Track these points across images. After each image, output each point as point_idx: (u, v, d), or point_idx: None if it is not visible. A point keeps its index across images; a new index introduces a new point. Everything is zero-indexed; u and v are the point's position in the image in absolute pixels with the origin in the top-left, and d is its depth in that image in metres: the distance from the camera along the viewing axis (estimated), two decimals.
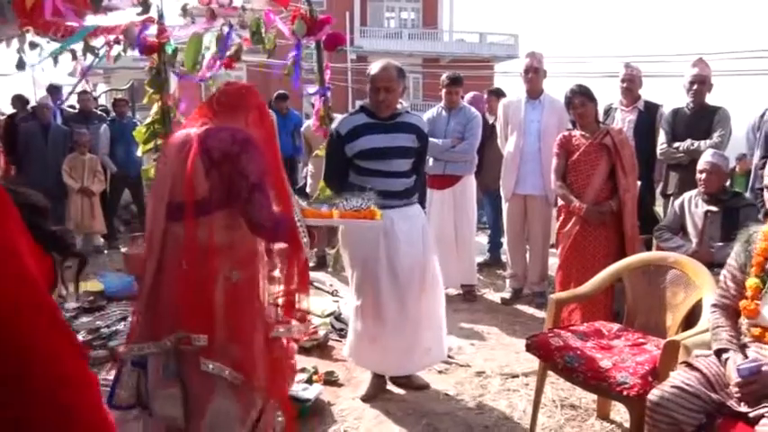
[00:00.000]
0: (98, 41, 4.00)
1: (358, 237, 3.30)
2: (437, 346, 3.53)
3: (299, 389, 3.29)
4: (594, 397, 3.24)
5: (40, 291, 1.34)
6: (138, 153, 5.61)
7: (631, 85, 4.98)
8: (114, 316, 4.60)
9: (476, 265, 5.63)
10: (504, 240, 5.64)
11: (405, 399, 3.47)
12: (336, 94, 4.85)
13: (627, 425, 3.07)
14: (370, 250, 3.28)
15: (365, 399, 3.43)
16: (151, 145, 5.29)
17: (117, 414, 2.22)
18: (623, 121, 4.97)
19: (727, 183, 4.32)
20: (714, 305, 2.51)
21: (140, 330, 2.26)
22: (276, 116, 7.68)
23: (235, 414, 2.24)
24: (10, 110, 7.72)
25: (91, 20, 3.73)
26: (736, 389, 2.16)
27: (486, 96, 6.52)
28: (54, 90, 7.87)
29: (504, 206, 5.36)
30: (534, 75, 5.03)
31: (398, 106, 3.40)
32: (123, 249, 6.12)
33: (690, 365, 2.32)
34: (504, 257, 5.90)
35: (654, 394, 2.25)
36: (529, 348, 2.99)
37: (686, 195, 3.98)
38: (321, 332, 4.27)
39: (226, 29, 4.07)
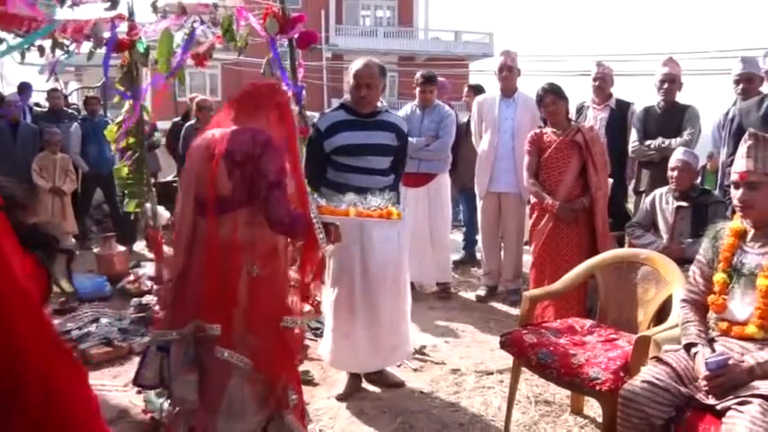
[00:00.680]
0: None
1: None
2: (404, 344, 3.55)
3: None
4: (568, 392, 3.27)
5: (31, 303, 1.32)
6: (112, 150, 5.57)
7: (603, 83, 5.04)
8: (86, 318, 4.53)
9: (451, 262, 5.66)
10: (479, 238, 5.67)
11: (380, 397, 3.47)
12: (312, 92, 4.83)
13: (600, 419, 3.10)
14: (345, 246, 3.27)
15: (340, 398, 3.42)
16: (123, 144, 5.22)
17: None
18: (595, 119, 5.03)
19: (698, 180, 4.38)
20: (683, 300, 2.55)
21: (164, 318, 2.44)
22: None
23: (249, 398, 2.38)
24: None
25: (60, 15, 3.67)
26: (705, 382, 2.20)
27: (466, 90, 6.54)
28: (24, 88, 7.73)
29: (479, 204, 5.39)
30: (508, 73, 5.06)
31: (378, 104, 3.41)
32: (96, 250, 6.05)
33: (660, 360, 2.36)
34: (478, 255, 5.93)
35: (625, 389, 2.29)
36: (503, 345, 3.01)
37: (657, 192, 4.03)
38: (296, 331, 4.24)
39: (197, 25, 4.02)
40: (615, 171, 4.70)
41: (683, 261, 3.43)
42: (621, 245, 4.71)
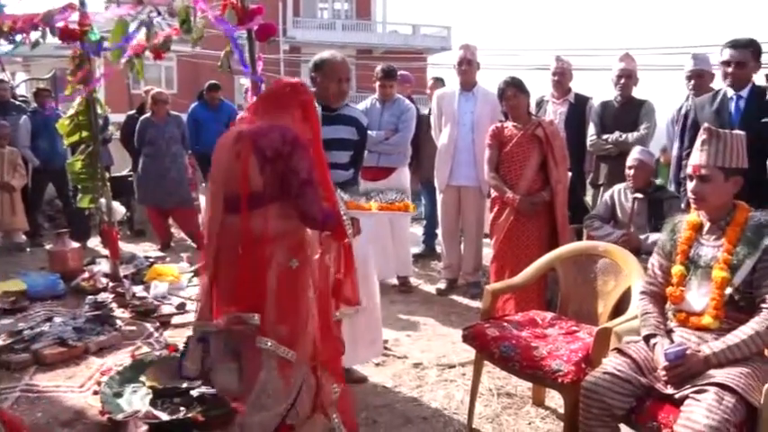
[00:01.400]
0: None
1: None
2: (378, 339, 3.55)
3: None
4: (530, 385, 3.30)
5: None
6: (65, 145, 5.41)
7: (562, 78, 5.10)
8: (38, 317, 4.40)
9: (411, 256, 5.66)
10: (439, 231, 5.70)
11: None
12: (268, 85, 4.78)
13: (561, 410, 3.14)
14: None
15: None
16: (76, 137, 5.09)
17: None
18: (555, 113, 5.09)
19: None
20: (642, 292, 2.60)
21: (201, 311, 2.56)
22: (208, 108, 7.56)
23: (278, 387, 2.46)
24: None
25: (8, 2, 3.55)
26: (664, 372, 2.25)
27: (431, 83, 6.53)
28: None
29: (439, 197, 5.40)
30: (468, 67, 5.08)
31: None
32: (48, 247, 5.88)
33: (621, 351, 2.40)
34: (438, 248, 5.96)
35: (587, 381, 2.32)
36: (465, 339, 3.02)
37: (616, 188, 4.11)
38: None
39: (154, 15, 3.92)
40: (574, 165, 4.75)
41: (639, 253, 3.52)
42: (580, 237, 4.78)
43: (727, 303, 2.32)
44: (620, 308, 3.02)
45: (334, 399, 2.57)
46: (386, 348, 4.01)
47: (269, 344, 2.42)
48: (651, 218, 3.89)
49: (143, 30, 4.15)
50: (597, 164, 4.87)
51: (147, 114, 6.88)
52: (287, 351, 2.44)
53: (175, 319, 4.51)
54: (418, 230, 6.81)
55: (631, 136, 4.52)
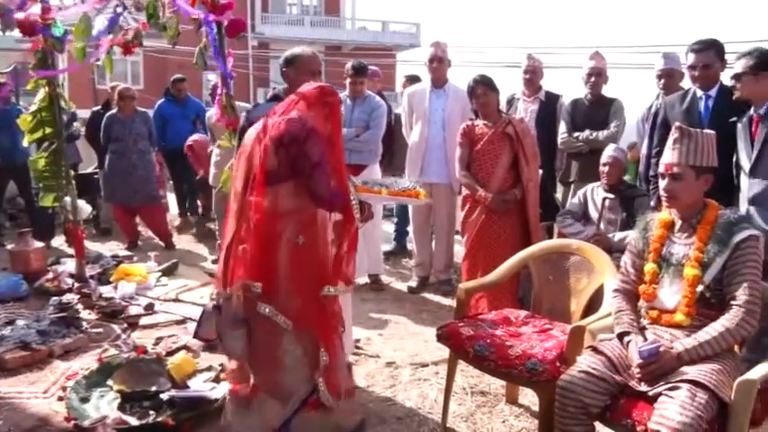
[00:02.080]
0: None
1: None
2: (348, 337, 3.51)
3: (205, 388, 3.17)
4: (503, 383, 3.30)
5: None
6: (25, 143, 5.27)
7: (533, 76, 5.12)
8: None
9: (382, 254, 5.64)
10: (410, 229, 5.68)
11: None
12: (237, 81, 4.70)
13: (535, 408, 3.16)
14: None
15: None
16: (39, 134, 4.96)
17: None
18: (525, 111, 5.10)
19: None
20: (615, 290, 2.61)
21: (220, 278, 2.75)
22: (175, 104, 7.43)
23: (301, 356, 2.68)
24: None
25: None
26: (638, 370, 2.26)
27: (403, 81, 6.51)
28: None
29: None
30: (439, 64, 5.07)
31: None
32: (9, 247, 5.72)
33: (596, 350, 2.41)
34: (410, 246, 5.94)
35: (563, 380, 2.32)
36: (439, 338, 3.01)
37: (589, 186, 4.15)
38: None
39: (120, 10, 3.83)
40: (545, 162, 4.78)
41: (611, 251, 3.54)
42: (551, 235, 4.82)
43: (698, 300, 2.35)
44: (592, 305, 3.03)
45: (322, 365, 2.68)
46: (358, 348, 3.99)
47: (267, 309, 2.61)
48: (621, 216, 3.93)
49: (111, 26, 4.04)
50: (568, 161, 4.90)
51: (113, 110, 6.74)
52: (285, 321, 2.61)
53: (144, 320, 4.42)
54: (389, 228, 6.79)
55: (602, 134, 4.56)
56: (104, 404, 3.09)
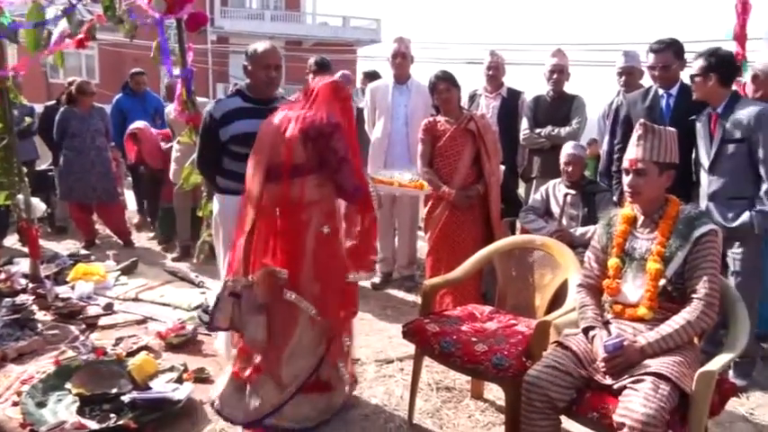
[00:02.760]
0: None
1: (231, 224, 3.18)
2: None
3: (168, 389, 3.11)
4: (468, 378, 3.32)
5: None
6: None
7: (496, 72, 5.13)
8: None
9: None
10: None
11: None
12: (196, 76, 4.60)
13: (500, 402, 3.18)
14: None
15: None
16: None
17: None
18: (487, 107, 5.12)
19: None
20: (579, 285, 2.64)
21: (236, 267, 2.79)
22: (133, 98, 7.26)
23: (310, 343, 2.84)
24: None
25: None
26: (603, 364, 2.29)
27: (362, 78, 6.48)
28: None
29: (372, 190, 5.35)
30: (402, 60, 5.06)
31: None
32: None
33: (561, 345, 2.43)
34: None
35: (530, 374, 2.34)
36: (405, 335, 3.00)
37: (551, 183, 4.19)
38: (189, 327, 4.06)
39: (75, 1, 3.71)
40: (507, 158, 4.81)
41: (573, 246, 3.58)
42: (513, 230, 4.86)
43: (660, 294, 2.39)
44: (556, 300, 3.06)
45: (345, 350, 2.94)
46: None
47: (293, 296, 2.75)
48: (583, 211, 3.98)
49: (65, 17, 3.92)
50: (530, 157, 4.94)
51: (68, 105, 6.55)
52: (310, 307, 2.77)
53: (102, 321, 4.31)
54: None
55: (563, 130, 4.61)
56: (62, 408, 3.00)
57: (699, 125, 3.51)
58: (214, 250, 3.89)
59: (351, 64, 23.42)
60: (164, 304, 4.70)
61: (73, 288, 4.81)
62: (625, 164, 2.50)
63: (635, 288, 2.44)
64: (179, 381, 3.24)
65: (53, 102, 7.37)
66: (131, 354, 3.57)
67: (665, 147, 2.43)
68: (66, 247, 6.60)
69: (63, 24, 4.00)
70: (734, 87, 3.53)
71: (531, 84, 5.51)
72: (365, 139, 5.49)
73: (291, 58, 21.22)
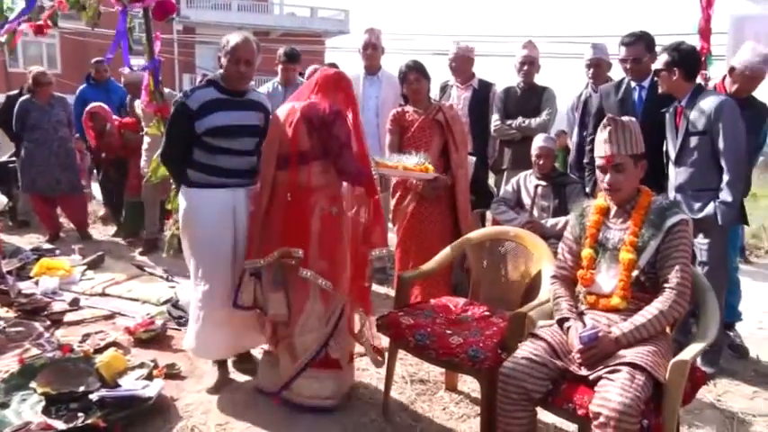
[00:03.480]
0: None
1: (205, 218, 3.12)
2: None
3: (138, 386, 3.04)
4: (442, 370, 3.32)
5: None
6: None
7: (460, 64, 5.09)
8: None
9: None
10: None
11: (253, 386, 3.33)
12: (162, 67, 4.50)
13: (474, 394, 3.19)
14: (216, 231, 3.12)
15: (211, 391, 3.26)
16: None
17: None
18: (459, 98, 5.11)
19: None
20: (553, 276, 2.65)
21: (255, 249, 3.01)
22: (97, 88, 7.09)
23: (321, 314, 3.02)
24: None
25: None
26: (579, 355, 2.30)
27: None
28: None
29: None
30: (373, 51, 5.02)
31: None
32: None
33: (536, 336, 2.43)
34: None
35: (506, 366, 2.34)
36: (380, 328, 2.99)
37: (522, 174, 4.20)
38: (158, 322, 4.00)
39: None
40: (478, 150, 4.81)
41: (545, 238, 3.60)
42: (484, 222, 4.87)
43: (633, 284, 2.40)
44: (529, 291, 3.07)
45: (361, 325, 3.10)
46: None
47: (308, 274, 2.94)
48: (554, 202, 4.00)
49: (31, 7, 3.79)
50: (501, 149, 4.95)
51: (27, 96, 6.38)
52: (325, 282, 2.95)
53: (68, 317, 4.23)
54: None
55: (534, 121, 4.63)
56: (27, 409, 2.91)
57: (667, 117, 3.55)
58: None
59: (319, 55, 23.24)
60: (132, 299, 4.62)
61: (37, 283, 4.71)
62: (599, 162, 2.48)
63: (609, 278, 2.45)
64: (149, 377, 3.18)
65: (15, 92, 7.17)
66: (99, 350, 3.50)
67: (635, 138, 2.44)
68: (29, 241, 6.45)
69: (21, 5, 3.87)
70: (699, 81, 3.58)
71: (501, 75, 5.52)
72: None
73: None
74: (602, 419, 2.08)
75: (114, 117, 6.39)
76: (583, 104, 4.89)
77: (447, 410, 3.12)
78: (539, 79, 4.89)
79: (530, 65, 4.77)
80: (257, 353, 3.58)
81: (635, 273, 2.39)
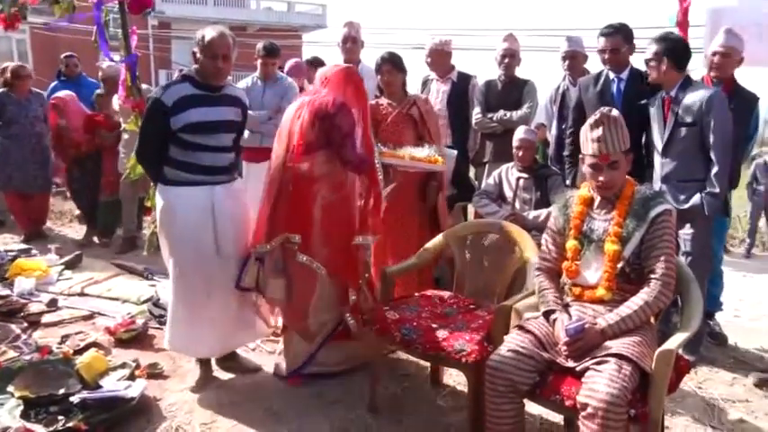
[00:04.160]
0: None
1: (183, 216, 3.07)
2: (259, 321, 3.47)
3: (120, 387, 3.00)
4: (426, 364, 3.31)
5: None
6: None
7: (435, 58, 5.06)
8: None
9: None
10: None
11: (236, 385, 3.31)
12: (138, 63, 4.42)
13: (459, 387, 3.19)
14: (196, 229, 3.09)
15: (195, 390, 3.22)
16: None
17: None
18: (438, 91, 5.08)
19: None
20: (538, 269, 2.65)
21: (262, 235, 3.16)
22: (70, 85, 6.95)
23: (331, 299, 3.22)
24: None
25: None
26: (565, 347, 2.30)
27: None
28: None
29: None
30: (353, 44, 4.99)
31: None
32: None
33: (523, 328, 2.43)
34: None
35: (492, 359, 2.33)
36: (365, 323, 2.97)
37: (503, 167, 4.19)
38: (139, 321, 3.95)
39: None
40: (458, 143, 4.80)
41: (527, 230, 3.60)
42: (466, 215, 4.87)
43: (618, 276, 2.41)
44: (513, 284, 3.07)
45: (351, 303, 3.23)
46: (278, 335, 3.88)
47: (304, 258, 3.12)
48: (536, 195, 4.00)
49: None
50: (482, 142, 4.94)
51: (4, 90, 6.24)
52: (320, 266, 3.14)
53: (46, 318, 4.15)
54: None
55: (515, 114, 4.62)
56: (5, 413, 2.83)
57: (652, 109, 3.56)
58: None
59: (296, 50, 23.10)
60: (112, 298, 4.55)
61: (12, 285, 4.61)
62: (592, 160, 2.44)
63: (594, 270, 2.46)
64: (131, 378, 3.14)
65: None
66: (79, 351, 3.44)
67: (624, 133, 2.44)
68: (3, 241, 6.32)
69: None
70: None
71: (481, 69, 5.51)
72: None
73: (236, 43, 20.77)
74: (589, 410, 2.09)
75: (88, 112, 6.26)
76: (560, 97, 4.91)
77: (434, 404, 3.12)
78: (519, 72, 4.89)
79: (510, 58, 4.76)
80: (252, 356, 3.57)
81: (620, 264, 2.40)
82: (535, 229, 3.63)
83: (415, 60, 5.68)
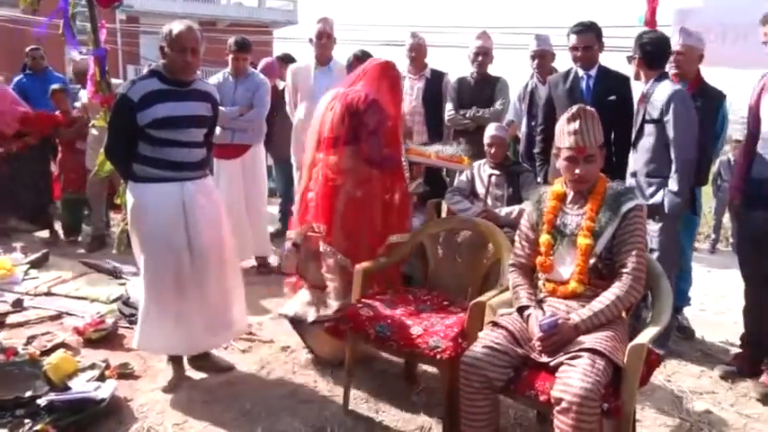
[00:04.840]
0: None
1: (154, 213, 3.04)
2: (241, 319, 3.47)
3: (89, 388, 2.94)
4: (400, 361, 3.31)
5: None
6: None
7: (418, 54, 5.10)
8: None
9: (268, 235, 5.50)
10: (295, 209, 5.54)
11: (210, 384, 3.27)
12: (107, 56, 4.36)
13: (433, 384, 3.19)
14: (167, 226, 3.05)
15: (166, 390, 3.18)
16: None
17: None
18: (411, 88, 5.10)
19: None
20: (512, 265, 2.66)
21: (295, 222, 3.36)
22: (35, 79, 6.80)
23: (340, 289, 3.26)
24: None
25: None
26: (539, 343, 2.32)
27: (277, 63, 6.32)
28: None
29: (296, 175, 5.26)
30: (327, 40, 4.98)
31: None
32: None
33: (496, 324, 2.44)
34: None
35: (467, 355, 2.34)
36: (339, 321, 2.96)
37: (476, 164, 4.21)
38: (109, 320, 3.88)
39: None
40: (432, 139, 4.81)
41: (500, 226, 3.62)
42: (439, 212, 4.88)
43: (591, 271, 2.43)
44: (487, 281, 3.08)
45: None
46: (250, 333, 3.86)
47: (328, 248, 3.22)
48: (508, 191, 4.03)
49: None
50: (456, 138, 4.95)
51: None
52: (343, 259, 3.22)
53: (11, 318, 4.05)
54: (273, 209, 6.62)
55: (488, 111, 4.66)
56: None
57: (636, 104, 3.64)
58: None
59: (267, 45, 22.93)
60: (80, 298, 4.47)
61: None
62: (569, 153, 2.45)
63: (567, 265, 2.47)
64: (101, 378, 3.09)
65: None
66: (46, 352, 3.37)
67: (599, 127, 2.46)
68: None
69: None
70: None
71: (453, 66, 5.52)
72: (289, 122, 5.38)
73: (205, 38, 20.54)
74: (564, 405, 2.10)
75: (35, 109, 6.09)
76: (529, 95, 4.96)
77: (408, 401, 3.11)
78: (491, 70, 4.92)
79: (484, 55, 4.79)
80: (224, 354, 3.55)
81: (592, 260, 2.42)
82: (507, 225, 3.66)
83: (386, 57, 5.67)
